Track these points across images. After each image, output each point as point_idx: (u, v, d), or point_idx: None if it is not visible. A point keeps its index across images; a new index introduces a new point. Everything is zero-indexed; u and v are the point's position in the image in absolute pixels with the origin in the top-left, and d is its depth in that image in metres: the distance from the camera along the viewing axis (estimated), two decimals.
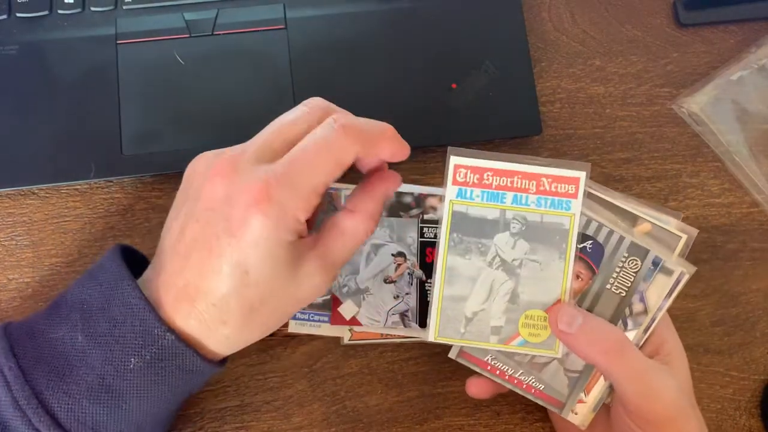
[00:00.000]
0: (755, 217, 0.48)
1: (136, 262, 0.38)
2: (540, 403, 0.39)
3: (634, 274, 0.37)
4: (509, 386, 0.39)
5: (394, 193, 0.37)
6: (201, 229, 0.32)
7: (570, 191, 0.37)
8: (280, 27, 0.48)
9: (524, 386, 0.38)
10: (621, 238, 0.38)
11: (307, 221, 0.33)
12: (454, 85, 0.48)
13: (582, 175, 0.37)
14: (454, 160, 0.37)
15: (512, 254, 0.37)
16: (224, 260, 0.32)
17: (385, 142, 0.34)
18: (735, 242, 0.48)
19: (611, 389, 0.38)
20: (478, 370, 0.39)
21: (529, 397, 0.39)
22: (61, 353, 0.33)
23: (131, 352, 0.33)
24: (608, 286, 0.38)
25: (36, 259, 0.45)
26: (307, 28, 0.48)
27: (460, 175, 0.37)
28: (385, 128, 0.34)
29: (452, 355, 0.39)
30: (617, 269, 0.38)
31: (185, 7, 0.49)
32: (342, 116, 0.33)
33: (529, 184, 0.37)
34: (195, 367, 0.34)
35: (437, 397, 0.44)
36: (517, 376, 0.38)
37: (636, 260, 0.37)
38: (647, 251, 0.37)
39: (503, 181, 0.37)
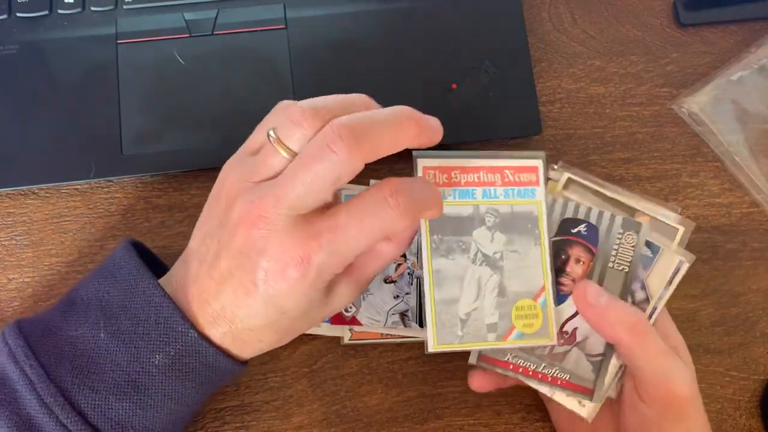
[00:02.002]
0: (755, 217, 0.48)
1: (142, 254, 0.38)
2: (568, 395, 0.38)
3: (633, 249, 0.38)
4: (534, 382, 0.38)
5: None
6: (236, 267, 0.33)
7: (532, 179, 0.38)
8: (280, 27, 0.48)
9: (549, 379, 0.38)
10: (612, 216, 0.38)
11: None
12: (454, 85, 0.48)
13: (539, 163, 0.38)
14: (422, 163, 0.37)
15: (492, 248, 0.37)
16: (262, 303, 0.33)
17: (436, 206, 0.34)
18: (735, 242, 0.48)
19: (619, 380, 0.38)
20: (500, 371, 0.39)
21: (557, 390, 0.38)
22: (83, 351, 0.33)
23: (156, 348, 0.33)
24: (610, 265, 0.38)
25: (36, 259, 0.45)
26: (307, 28, 0.48)
27: (429, 177, 0.37)
28: (436, 194, 0.34)
29: (472, 360, 0.39)
30: (615, 246, 0.38)
31: (185, 6, 0.49)
32: (399, 189, 0.32)
33: (494, 177, 0.37)
34: (218, 364, 0.34)
35: (437, 397, 0.44)
36: (540, 370, 0.38)
37: (632, 234, 0.38)
38: (640, 224, 0.38)
39: (470, 177, 0.37)
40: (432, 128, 0.34)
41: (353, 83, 0.47)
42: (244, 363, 0.36)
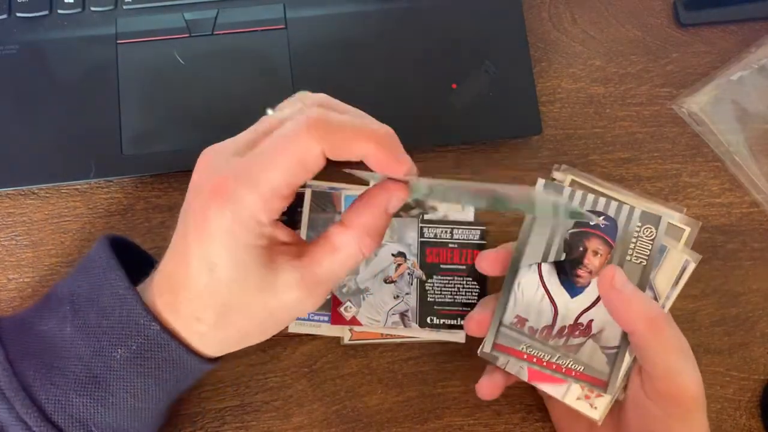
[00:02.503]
0: (755, 217, 0.48)
1: (130, 251, 0.38)
2: (583, 385, 0.38)
3: (651, 242, 0.38)
4: (548, 372, 0.38)
5: (396, 207, 0.33)
6: (181, 220, 0.32)
7: None
8: (280, 27, 0.48)
9: (564, 370, 0.38)
10: (631, 209, 0.38)
11: (292, 226, 0.33)
12: (454, 85, 0.48)
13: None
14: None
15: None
16: (192, 255, 0.31)
17: (362, 144, 0.30)
18: (735, 242, 0.48)
19: (625, 381, 0.38)
20: (514, 359, 0.38)
21: (571, 381, 0.38)
22: (50, 345, 0.33)
23: (118, 342, 0.33)
24: (628, 258, 0.38)
25: (36, 259, 0.45)
26: (307, 28, 0.48)
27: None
28: (371, 130, 0.30)
29: (487, 348, 0.39)
30: (633, 239, 0.38)
31: (185, 6, 0.49)
32: (318, 111, 0.30)
33: None
34: (181, 360, 0.33)
35: (437, 397, 0.44)
36: (554, 360, 0.38)
37: (650, 228, 0.38)
38: (659, 218, 0.38)
39: None
40: (394, 161, 0.31)
41: (353, 83, 0.47)
42: (212, 361, 0.35)
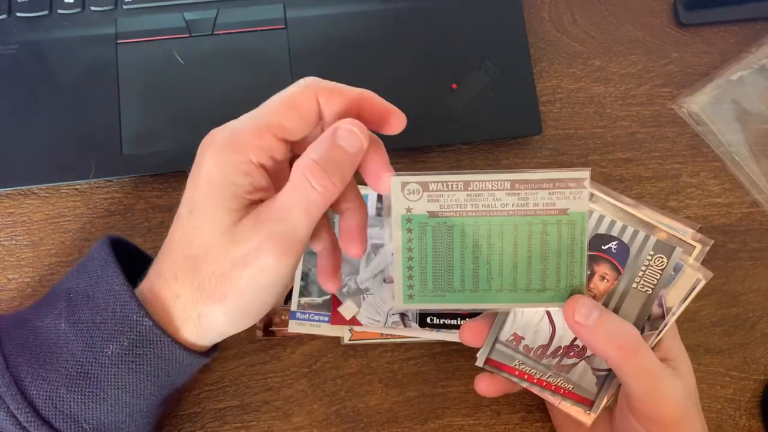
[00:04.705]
0: (755, 217, 0.48)
1: (132, 253, 0.38)
2: (570, 403, 0.38)
3: (660, 272, 0.37)
4: (537, 389, 0.38)
5: (345, 138, 0.32)
6: None
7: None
8: (280, 27, 0.48)
9: (553, 387, 0.38)
10: (646, 237, 0.37)
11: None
12: (454, 85, 0.48)
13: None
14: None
15: None
16: (182, 203, 0.33)
17: (356, 91, 0.33)
18: (735, 242, 0.48)
19: (616, 391, 0.38)
20: (506, 375, 0.39)
21: (559, 398, 0.38)
22: (44, 341, 0.33)
23: (110, 338, 0.33)
24: (634, 285, 0.37)
25: (36, 259, 0.45)
26: (307, 28, 0.48)
27: None
28: (361, 89, 0.34)
29: (479, 363, 0.39)
30: (643, 268, 0.37)
31: (185, 6, 0.49)
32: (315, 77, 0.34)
33: None
34: (173, 355, 0.34)
35: (437, 397, 0.44)
36: (545, 378, 0.38)
37: (662, 258, 0.37)
38: (673, 248, 0.37)
39: None
40: (389, 106, 0.35)
41: (353, 83, 0.47)
42: (206, 354, 0.35)
